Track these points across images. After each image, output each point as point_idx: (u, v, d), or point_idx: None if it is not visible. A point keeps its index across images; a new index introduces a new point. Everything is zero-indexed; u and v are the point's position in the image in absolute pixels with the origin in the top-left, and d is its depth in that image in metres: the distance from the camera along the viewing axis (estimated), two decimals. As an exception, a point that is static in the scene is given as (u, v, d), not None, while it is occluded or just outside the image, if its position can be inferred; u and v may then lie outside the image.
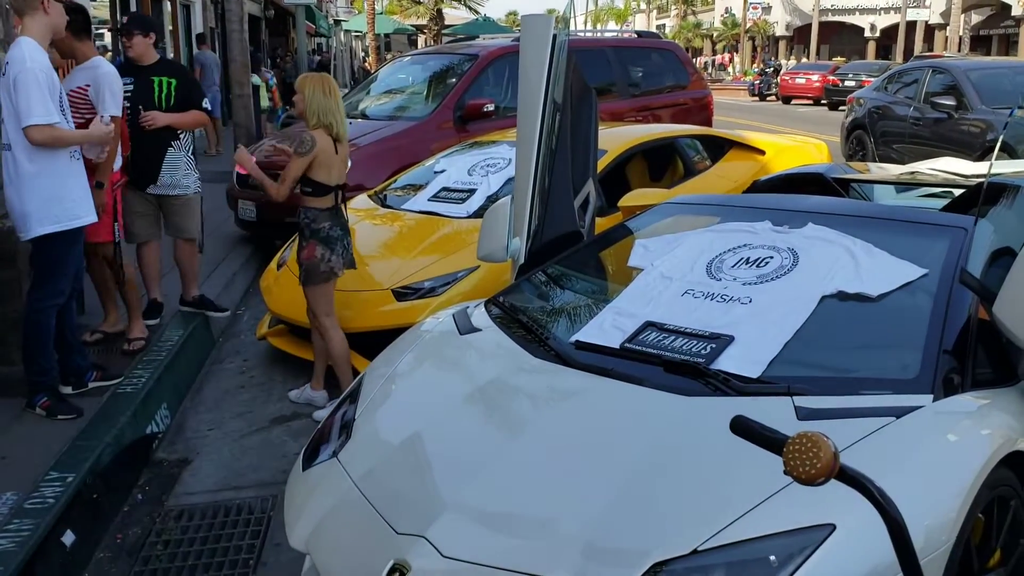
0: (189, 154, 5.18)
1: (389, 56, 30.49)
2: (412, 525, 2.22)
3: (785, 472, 1.31)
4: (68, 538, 3.18)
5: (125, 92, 4.85)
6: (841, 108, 26.48)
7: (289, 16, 27.80)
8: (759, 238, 3.09)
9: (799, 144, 7.01)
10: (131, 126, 4.92)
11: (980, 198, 2.77)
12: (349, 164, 5.93)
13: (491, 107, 7.57)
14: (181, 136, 5.10)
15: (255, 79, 14.85)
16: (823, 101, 27.98)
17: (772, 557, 1.91)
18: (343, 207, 4.33)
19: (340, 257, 4.26)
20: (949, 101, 9.55)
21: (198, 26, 16.98)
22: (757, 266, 2.92)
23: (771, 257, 2.95)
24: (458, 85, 7.77)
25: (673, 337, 2.68)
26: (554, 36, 3.53)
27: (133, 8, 12.36)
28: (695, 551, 1.94)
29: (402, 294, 4.65)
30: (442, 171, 5.79)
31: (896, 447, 2.13)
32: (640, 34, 10.47)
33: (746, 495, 2.03)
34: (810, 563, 1.88)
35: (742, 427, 1.46)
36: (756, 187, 4.36)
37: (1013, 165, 4.78)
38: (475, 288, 4.54)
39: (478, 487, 2.29)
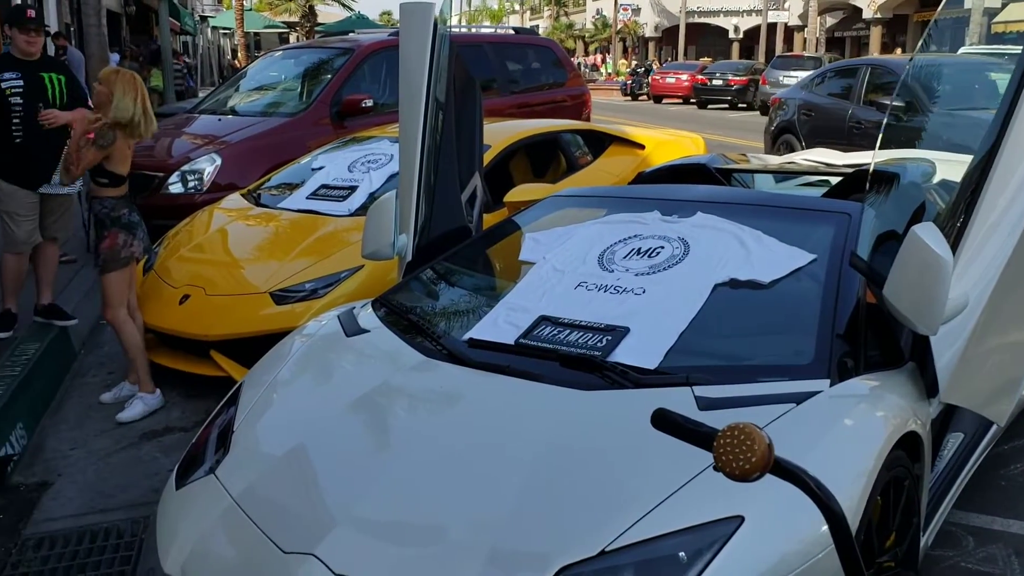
0: None
1: (259, 54, 29.60)
2: (300, 543, 2.06)
3: (716, 468, 1.23)
4: (-93, 578, 2.85)
5: (15, 88, 4.75)
6: (711, 106, 27.47)
7: (152, 13, 26.60)
8: (649, 228, 3.05)
9: (676, 139, 7.11)
10: (25, 124, 4.78)
11: (867, 185, 2.82)
12: None
13: (369, 102, 7.37)
14: (70, 134, 4.94)
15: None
16: (692, 100, 28.84)
17: (681, 554, 1.85)
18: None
19: (140, 242, 4.31)
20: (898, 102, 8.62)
21: (53, 22, 15.98)
22: (649, 256, 2.89)
23: (662, 247, 2.92)
24: (334, 80, 7.53)
25: (568, 331, 2.61)
26: (435, 27, 3.41)
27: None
28: (603, 552, 1.87)
29: (281, 297, 4.41)
30: (320, 168, 5.57)
31: (800, 433, 2.11)
32: (518, 31, 10.45)
33: (652, 491, 1.97)
34: (720, 558, 1.84)
35: (665, 421, 1.37)
36: (641, 179, 4.36)
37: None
38: (359, 289, 4.37)
39: (370, 498, 2.15)
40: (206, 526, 2.27)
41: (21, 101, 4.77)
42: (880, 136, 2.74)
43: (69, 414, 4.42)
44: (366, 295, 3.75)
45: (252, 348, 4.35)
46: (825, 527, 1.92)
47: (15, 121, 4.78)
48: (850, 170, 3.94)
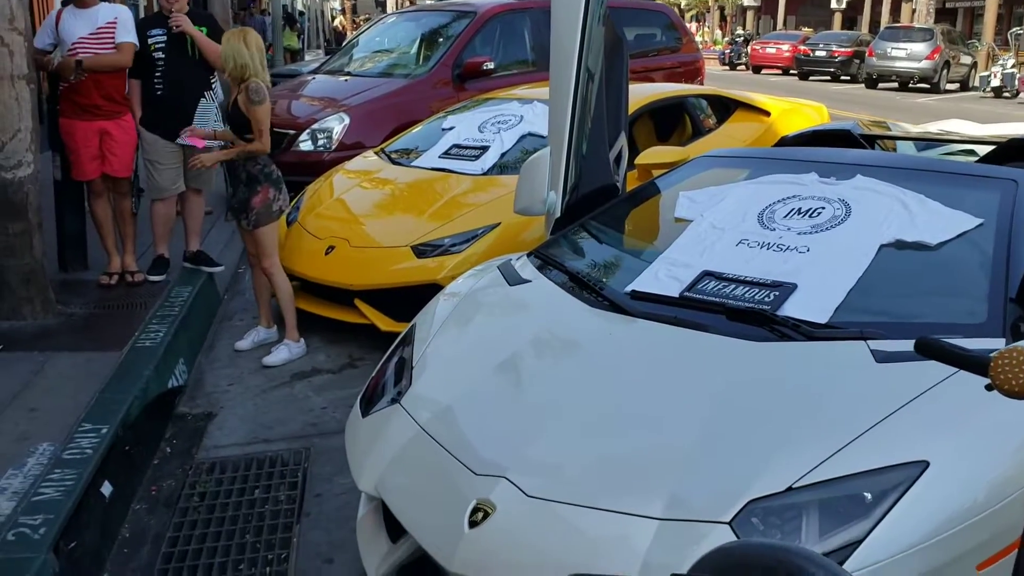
0: (217, 106, 5.26)
1: (358, 19, 29.86)
2: (491, 467, 2.21)
3: (990, 387, 1.33)
4: (106, 489, 3.13)
5: (159, 44, 5.00)
6: (812, 78, 26.69)
7: (257, -25, 27.16)
8: (808, 189, 3.09)
9: (798, 107, 7.04)
10: (166, 77, 5.03)
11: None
12: None
13: (490, 65, 7.50)
14: (213, 86, 5.23)
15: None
16: (793, 71, 28.13)
17: (866, 494, 1.93)
18: None
19: (284, 195, 4.51)
20: None
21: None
22: (810, 216, 2.93)
23: (823, 208, 2.96)
24: (456, 43, 7.66)
25: (733, 286, 2.68)
26: None
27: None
28: (790, 488, 1.96)
29: (422, 251, 4.60)
30: (451, 128, 5.72)
31: (980, 387, 2.15)
32: (633, -4, 10.36)
33: (836, 434, 2.04)
34: (905, 500, 1.90)
35: (931, 348, 1.47)
36: (785, 143, 4.37)
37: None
38: (493, 246, 4.51)
39: (555, 429, 2.28)
40: (397, 448, 2.44)
41: (163, 56, 5.01)
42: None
43: (221, 353, 4.71)
44: (499, 252, 3.88)
45: (391, 298, 4.57)
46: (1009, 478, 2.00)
47: (157, 75, 5.03)
48: (1002, 139, 3.89)
